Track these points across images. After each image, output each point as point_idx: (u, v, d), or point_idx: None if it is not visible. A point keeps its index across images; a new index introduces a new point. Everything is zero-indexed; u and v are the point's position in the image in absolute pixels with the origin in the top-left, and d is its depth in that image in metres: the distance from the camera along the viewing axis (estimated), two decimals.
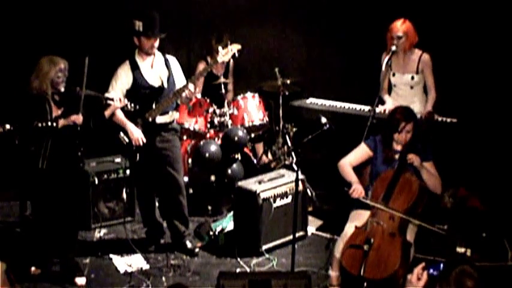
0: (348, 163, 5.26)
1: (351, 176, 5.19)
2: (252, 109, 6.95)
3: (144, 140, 5.59)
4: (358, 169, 6.01)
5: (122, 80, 5.60)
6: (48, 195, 5.28)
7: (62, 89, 5.24)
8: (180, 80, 5.74)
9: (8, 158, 5.72)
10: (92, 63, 5.20)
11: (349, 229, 4.99)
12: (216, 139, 6.72)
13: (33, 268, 5.47)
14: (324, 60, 7.60)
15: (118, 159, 6.48)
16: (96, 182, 6.26)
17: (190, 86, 5.55)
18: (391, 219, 4.85)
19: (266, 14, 7.75)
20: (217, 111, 6.80)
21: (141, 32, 5.51)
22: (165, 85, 5.65)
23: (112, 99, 5.40)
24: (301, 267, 5.51)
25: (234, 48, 5.67)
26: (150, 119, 5.62)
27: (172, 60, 5.77)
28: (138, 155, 5.65)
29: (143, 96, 5.60)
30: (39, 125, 5.12)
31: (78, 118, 5.20)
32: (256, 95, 7.02)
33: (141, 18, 5.49)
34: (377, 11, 6.98)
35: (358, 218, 5.03)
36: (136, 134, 5.59)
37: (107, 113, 5.44)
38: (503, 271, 5.35)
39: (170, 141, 5.75)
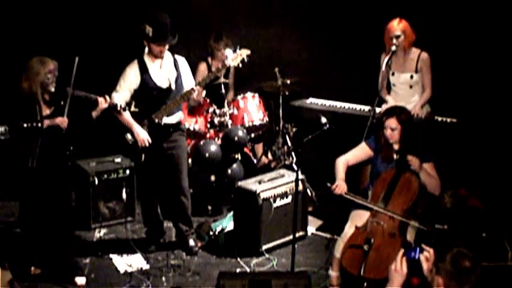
0: (344, 160, 5.24)
1: (339, 173, 5.17)
2: (252, 109, 6.95)
3: (150, 141, 5.59)
4: (358, 169, 6.04)
5: (131, 79, 5.58)
6: (38, 195, 5.28)
7: (52, 89, 5.22)
8: (188, 81, 5.71)
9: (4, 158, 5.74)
10: (85, 63, 5.19)
11: (349, 229, 4.99)
12: (216, 139, 6.72)
13: (33, 268, 5.47)
14: (324, 60, 7.59)
15: (118, 159, 6.49)
16: (96, 182, 6.26)
17: (198, 89, 5.53)
18: (391, 219, 4.85)
19: (266, 14, 7.75)
20: (217, 111, 6.80)
21: (151, 38, 5.47)
22: (173, 87, 5.63)
23: (97, 100, 5.35)
24: (301, 267, 5.51)
25: (244, 53, 5.65)
26: (157, 121, 5.61)
27: (181, 61, 5.74)
28: (143, 155, 5.65)
29: (151, 98, 5.59)
30: (25, 125, 5.11)
31: (63, 121, 5.18)
32: (256, 95, 7.03)
33: (152, 24, 5.43)
34: (376, 11, 6.97)
35: (358, 218, 5.02)
36: (142, 135, 5.58)
37: (94, 113, 5.40)
38: (503, 271, 5.35)
39: (176, 141, 5.74)
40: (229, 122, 6.80)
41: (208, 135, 6.79)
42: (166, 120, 5.65)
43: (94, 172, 6.28)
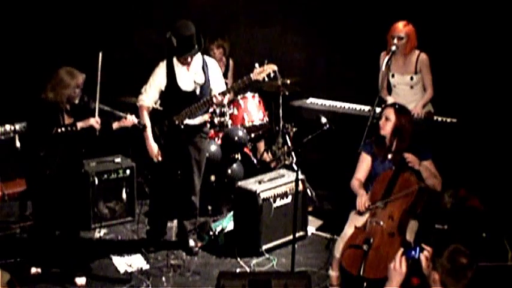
0: (357, 181, 5.19)
1: (359, 190, 5.12)
2: (252, 109, 6.96)
3: (160, 159, 5.66)
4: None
5: (160, 80, 5.61)
6: (52, 199, 5.28)
7: (77, 102, 5.22)
8: (217, 85, 5.69)
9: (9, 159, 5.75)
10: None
11: (349, 229, 4.99)
12: (216, 139, 6.72)
13: (33, 268, 5.47)
14: (324, 60, 7.59)
15: (118, 159, 6.50)
16: (96, 182, 6.26)
17: (219, 98, 5.54)
18: (391, 219, 4.85)
19: (266, 14, 7.75)
20: (217, 111, 6.80)
21: (174, 50, 5.49)
22: (198, 91, 5.63)
23: (122, 117, 5.38)
24: (301, 267, 5.52)
25: (269, 68, 5.60)
26: (177, 123, 5.63)
27: (211, 63, 5.72)
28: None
29: (174, 100, 5.62)
30: (59, 130, 5.10)
31: (96, 121, 5.19)
32: (256, 95, 7.03)
33: (175, 36, 5.43)
34: (377, 11, 6.98)
35: (358, 218, 5.03)
36: (152, 151, 5.66)
37: (115, 125, 5.41)
38: (503, 271, 5.35)
39: (195, 143, 5.75)
40: (229, 122, 6.79)
41: (208, 135, 6.78)
42: (188, 121, 5.66)
43: (94, 172, 6.27)
